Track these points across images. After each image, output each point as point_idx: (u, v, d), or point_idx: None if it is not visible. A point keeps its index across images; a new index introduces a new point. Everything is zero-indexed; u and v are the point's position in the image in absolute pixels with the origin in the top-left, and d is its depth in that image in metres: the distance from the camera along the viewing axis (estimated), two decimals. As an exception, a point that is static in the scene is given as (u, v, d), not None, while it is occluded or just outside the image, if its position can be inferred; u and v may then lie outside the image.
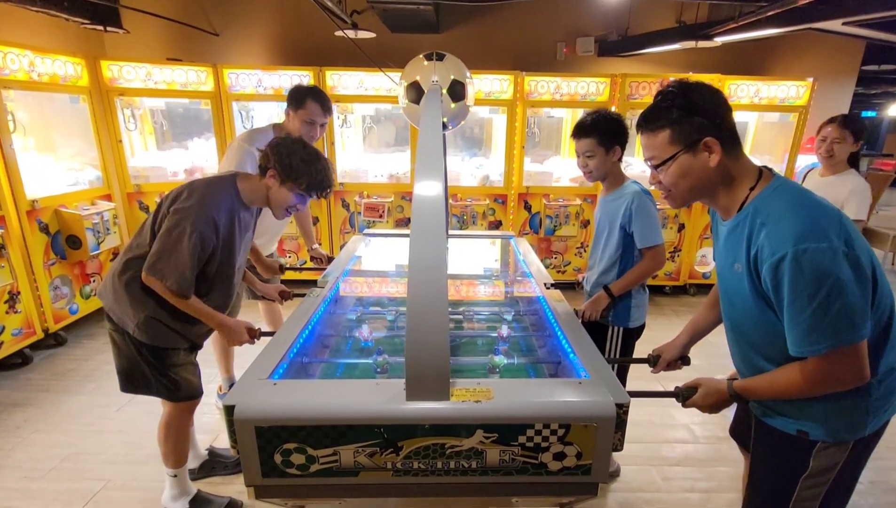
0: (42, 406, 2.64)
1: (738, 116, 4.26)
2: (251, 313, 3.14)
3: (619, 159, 1.83)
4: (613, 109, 4.00)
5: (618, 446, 1.13)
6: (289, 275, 2.58)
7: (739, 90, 3.98)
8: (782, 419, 1.16)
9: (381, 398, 1.08)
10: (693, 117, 1.05)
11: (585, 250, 4.40)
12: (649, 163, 1.15)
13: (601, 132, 1.79)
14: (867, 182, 2.24)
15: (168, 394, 1.70)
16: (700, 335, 1.51)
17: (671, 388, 1.32)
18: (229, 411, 1.07)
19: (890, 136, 15.15)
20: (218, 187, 1.61)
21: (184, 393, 1.73)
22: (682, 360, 1.50)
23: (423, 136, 1.17)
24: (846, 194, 2.21)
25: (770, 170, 1.12)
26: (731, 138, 1.08)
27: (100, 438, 2.38)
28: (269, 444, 1.07)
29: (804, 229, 0.97)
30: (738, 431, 1.52)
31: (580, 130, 1.81)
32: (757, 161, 1.15)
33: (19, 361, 3.05)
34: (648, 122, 1.11)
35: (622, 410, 1.10)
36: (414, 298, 1.06)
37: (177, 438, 1.78)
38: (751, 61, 4.72)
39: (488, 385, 1.13)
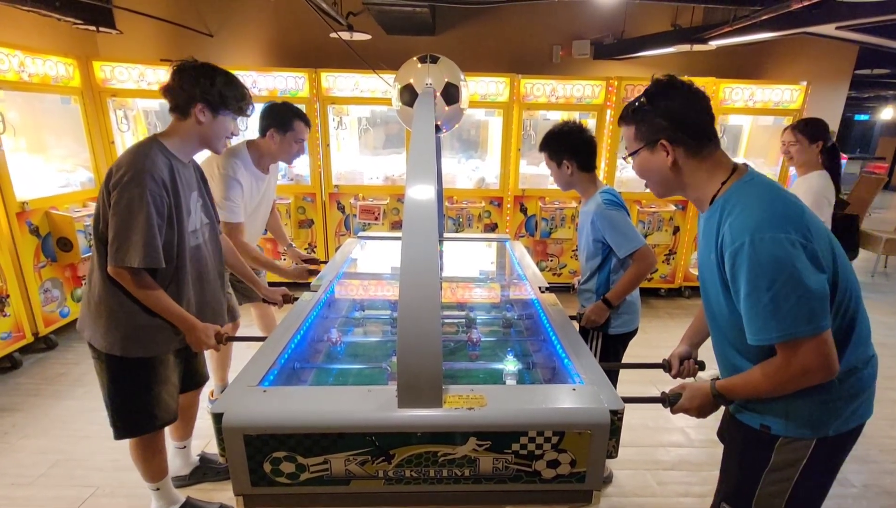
0: (31, 411, 2.61)
1: (733, 120, 4.30)
2: (245, 317, 3.10)
3: (583, 169, 1.84)
4: (609, 112, 4.01)
5: (612, 453, 1.11)
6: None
7: (734, 94, 4.00)
8: (749, 413, 1.19)
9: (373, 405, 1.07)
10: (654, 119, 1.13)
11: (581, 253, 4.40)
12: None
13: (550, 147, 1.84)
14: (826, 182, 2.34)
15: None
16: (701, 337, 1.51)
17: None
18: (217, 419, 1.04)
19: (882, 139, 15.30)
20: (145, 147, 1.46)
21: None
22: (697, 363, 1.49)
23: (415, 139, 1.15)
24: (803, 193, 2.30)
25: (746, 166, 1.15)
26: (694, 140, 1.12)
27: (89, 444, 2.35)
28: (257, 452, 1.05)
29: (764, 219, 1.00)
30: (723, 431, 1.52)
31: (540, 145, 1.88)
32: (752, 164, 1.17)
33: (9, 365, 3.01)
34: (622, 117, 1.22)
35: (616, 416, 1.08)
36: (406, 303, 1.04)
37: (146, 457, 1.71)
38: (745, 65, 4.75)
39: (481, 392, 1.12)
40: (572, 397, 1.11)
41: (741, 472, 1.22)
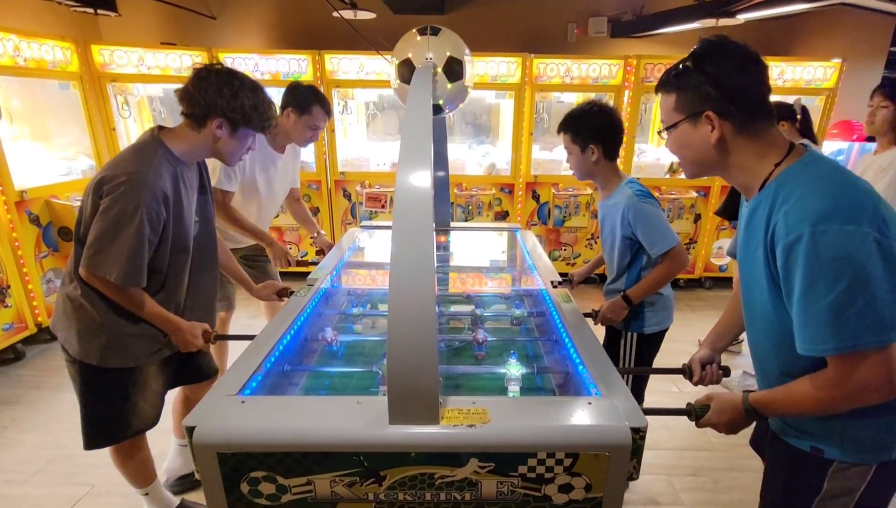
0: (31, 404, 2.57)
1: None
2: (251, 307, 3.03)
3: (608, 158, 1.66)
4: (627, 93, 3.79)
5: (633, 474, 0.98)
6: (294, 268, 2.45)
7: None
8: (797, 434, 1.04)
9: (361, 420, 0.95)
10: (701, 87, 0.96)
11: (596, 242, 4.23)
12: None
13: (574, 128, 1.64)
14: None
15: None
16: (725, 340, 1.36)
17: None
18: (189, 433, 0.94)
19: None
20: (148, 153, 1.33)
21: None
22: (721, 369, 1.34)
23: (407, 118, 1.01)
24: (876, 171, 2.13)
25: (805, 146, 0.98)
26: (746, 113, 0.95)
27: (87, 439, 2.29)
28: (233, 472, 0.94)
29: (828, 208, 0.83)
30: (759, 441, 1.38)
31: (561, 125, 1.68)
32: None
33: (12, 356, 2.98)
34: (661, 83, 1.05)
35: (638, 435, 0.95)
36: (396, 306, 0.91)
37: (125, 462, 1.62)
38: (774, 41, 4.45)
39: (484, 405, 0.99)
40: (588, 412, 0.98)
41: (788, 498, 1.08)
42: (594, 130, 1.62)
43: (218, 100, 1.33)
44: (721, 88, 0.94)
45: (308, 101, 2.05)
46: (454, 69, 1.44)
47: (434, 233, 0.90)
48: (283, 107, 2.08)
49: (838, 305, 0.82)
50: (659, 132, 1.11)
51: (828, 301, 0.82)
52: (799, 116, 2.46)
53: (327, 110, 2.11)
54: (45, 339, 3.22)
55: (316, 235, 2.55)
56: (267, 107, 1.41)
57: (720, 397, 1.12)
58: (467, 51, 1.50)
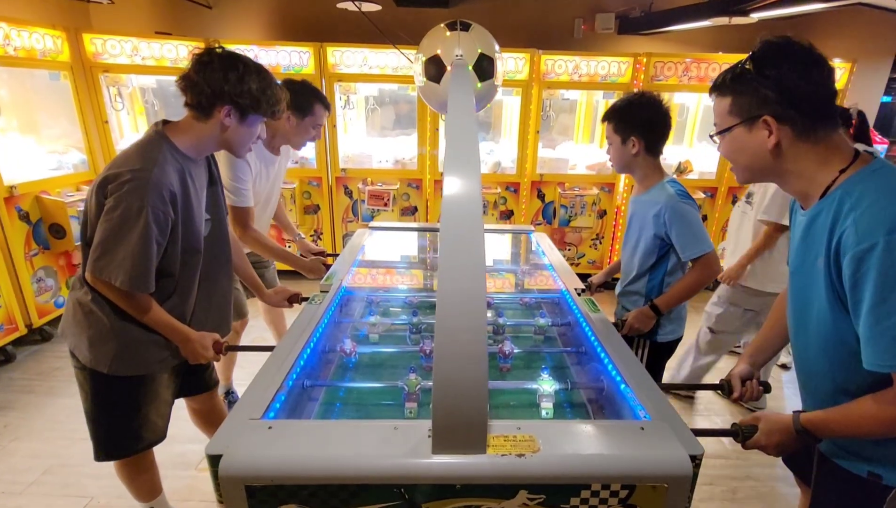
0: (24, 410, 2.46)
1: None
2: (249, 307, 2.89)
3: (650, 153, 1.60)
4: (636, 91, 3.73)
5: (688, 505, 0.93)
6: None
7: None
8: (852, 458, 0.99)
9: (401, 448, 0.88)
10: (759, 90, 0.92)
11: (601, 243, 4.18)
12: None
13: (618, 119, 1.58)
14: None
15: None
16: (766, 356, 1.31)
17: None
18: (213, 462, 0.86)
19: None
20: (153, 149, 1.25)
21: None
22: (762, 384, 1.29)
23: (452, 120, 0.93)
24: None
25: (872, 154, 0.93)
26: (808, 119, 0.90)
27: (84, 447, 2.17)
28: (263, 505, 0.86)
29: None
30: (797, 459, 1.33)
31: (605, 114, 1.62)
32: None
33: (2, 359, 2.87)
34: (715, 85, 1.01)
35: (696, 463, 0.89)
36: (444, 325, 0.84)
37: (132, 477, 1.55)
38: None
39: (530, 430, 0.92)
40: (642, 438, 0.92)
41: None
42: (637, 122, 1.56)
43: (224, 85, 1.23)
44: (781, 92, 0.89)
45: (308, 101, 1.96)
46: (485, 67, 1.36)
47: (485, 245, 0.82)
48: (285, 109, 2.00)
49: None
50: (711, 136, 1.05)
51: None
52: (854, 121, 2.28)
53: (326, 106, 2.02)
54: (36, 340, 3.10)
55: (296, 238, 2.44)
56: (275, 90, 1.32)
57: (768, 417, 1.07)
58: (497, 47, 1.42)
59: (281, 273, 2.55)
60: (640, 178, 1.68)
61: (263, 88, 1.28)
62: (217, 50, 1.27)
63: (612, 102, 1.71)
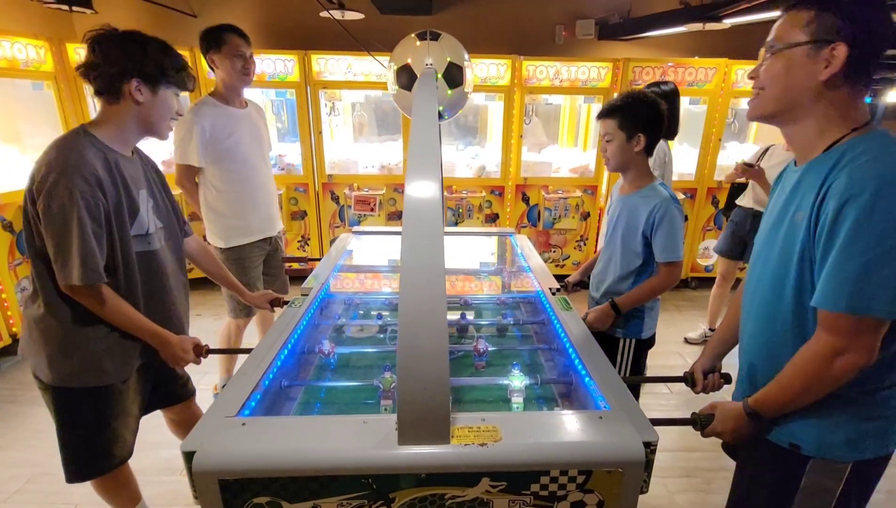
0: (6, 420, 2.46)
1: (744, 104, 4.09)
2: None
3: (646, 152, 1.64)
4: (615, 96, 3.81)
5: (644, 487, 0.97)
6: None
7: (748, 76, 3.81)
8: (776, 429, 1.03)
9: (369, 441, 0.91)
10: (849, 13, 0.87)
11: (585, 244, 4.25)
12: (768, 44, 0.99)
13: (625, 114, 1.59)
14: None
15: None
16: (726, 347, 1.37)
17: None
18: (188, 458, 0.89)
19: (885, 123, 15.07)
20: (69, 141, 1.22)
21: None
22: (723, 377, 1.34)
23: (416, 128, 0.98)
24: None
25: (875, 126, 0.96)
26: (864, 68, 0.90)
27: (68, 455, 2.20)
28: (235, 498, 0.90)
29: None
30: (730, 445, 1.37)
31: (604, 110, 1.63)
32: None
33: (-16, 369, 2.86)
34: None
35: (650, 450, 0.94)
36: (407, 321, 0.89)
37: (111, 493, 1.55)
38: (759, 46, 4.53)
39: (494, 422, 0.97)
40: (600, 427, 0.97)
41: (768, 496, 1.07)
42: (645, 119, 1.57)
43: (125, 60, 1.21)
44: (859, 26, 0.86)
45: (218, 35, 2.04)
46: (454, 75, 1.42)
47: (444, 247, 0.87)
48: (209, 60, 2.09)
49: (870, 267, 0.81)
50: (764, 49, 1.00)
51: (863, 261, 0.81)
52: None
53: (242, 34, 2.08)
54: (21, 350, 3.09)
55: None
56: (179, 57, 1.31)
57: (723, 405, 1.11)
58: (467, 56, 1.48)
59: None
60: (632, 177, 1.69)
61: (166, 55, 1.27)
62: (110, 29, 1.25)
63: (593, 106, 1.76)
